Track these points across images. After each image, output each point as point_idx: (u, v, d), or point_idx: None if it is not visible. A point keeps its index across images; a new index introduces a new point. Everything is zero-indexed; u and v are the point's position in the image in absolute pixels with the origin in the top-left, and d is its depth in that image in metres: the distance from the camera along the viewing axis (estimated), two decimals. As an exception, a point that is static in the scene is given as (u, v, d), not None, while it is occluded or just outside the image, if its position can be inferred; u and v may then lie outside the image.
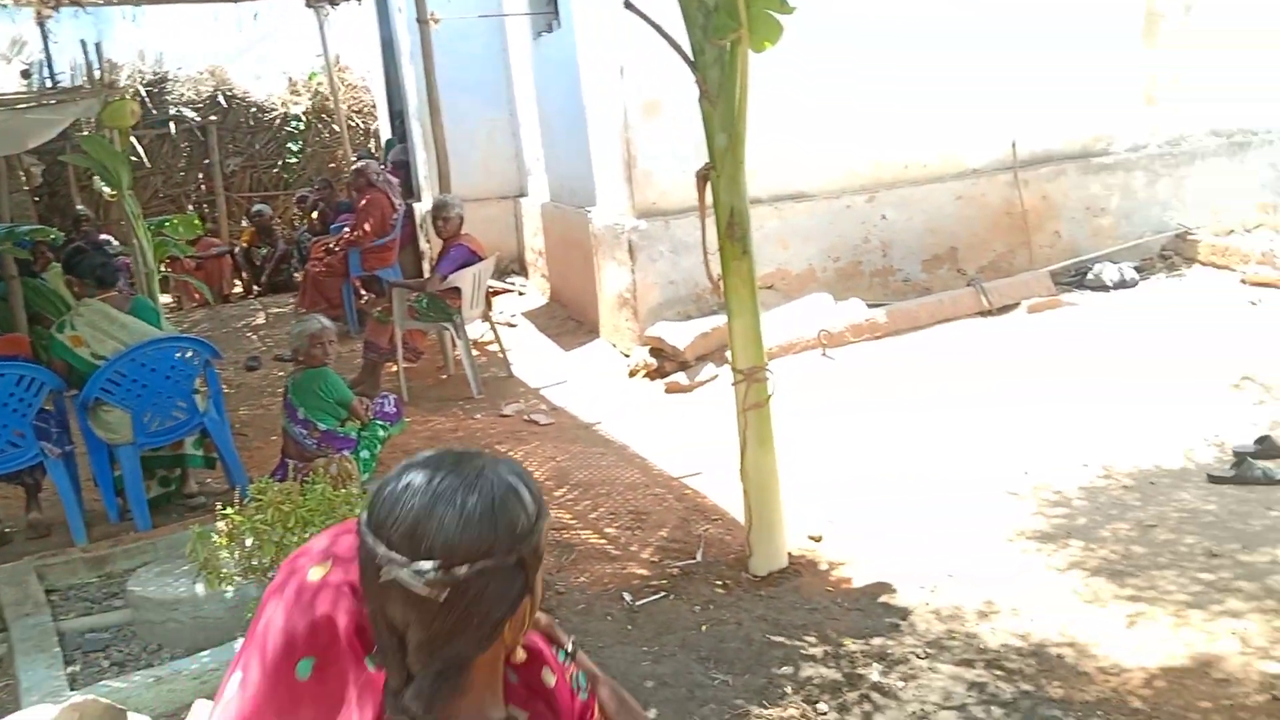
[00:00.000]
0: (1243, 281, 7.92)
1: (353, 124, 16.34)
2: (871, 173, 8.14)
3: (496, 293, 10.20)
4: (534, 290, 10.68)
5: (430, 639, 1.15)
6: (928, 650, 3.66)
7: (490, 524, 1.16)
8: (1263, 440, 5.07)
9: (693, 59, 4.23)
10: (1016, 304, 7.69)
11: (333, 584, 1.24)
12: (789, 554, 4.43)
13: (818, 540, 4.64)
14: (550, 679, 1.32)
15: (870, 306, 7.60)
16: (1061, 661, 3.51)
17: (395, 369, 7.67)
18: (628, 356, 7.59)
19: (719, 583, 4.31)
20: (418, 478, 1.19)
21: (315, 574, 1.25)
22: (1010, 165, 8.37)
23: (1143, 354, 6.59)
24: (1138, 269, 8.29)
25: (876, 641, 3.74)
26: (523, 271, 11.31)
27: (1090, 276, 8.16)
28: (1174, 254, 8.59)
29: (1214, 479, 4.85)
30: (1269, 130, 9.13)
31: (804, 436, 5.73)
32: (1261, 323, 7.10)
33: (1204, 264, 8.36)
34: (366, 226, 9.48)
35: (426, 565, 1.12)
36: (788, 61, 7.47)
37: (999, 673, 3.47)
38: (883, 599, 4.08)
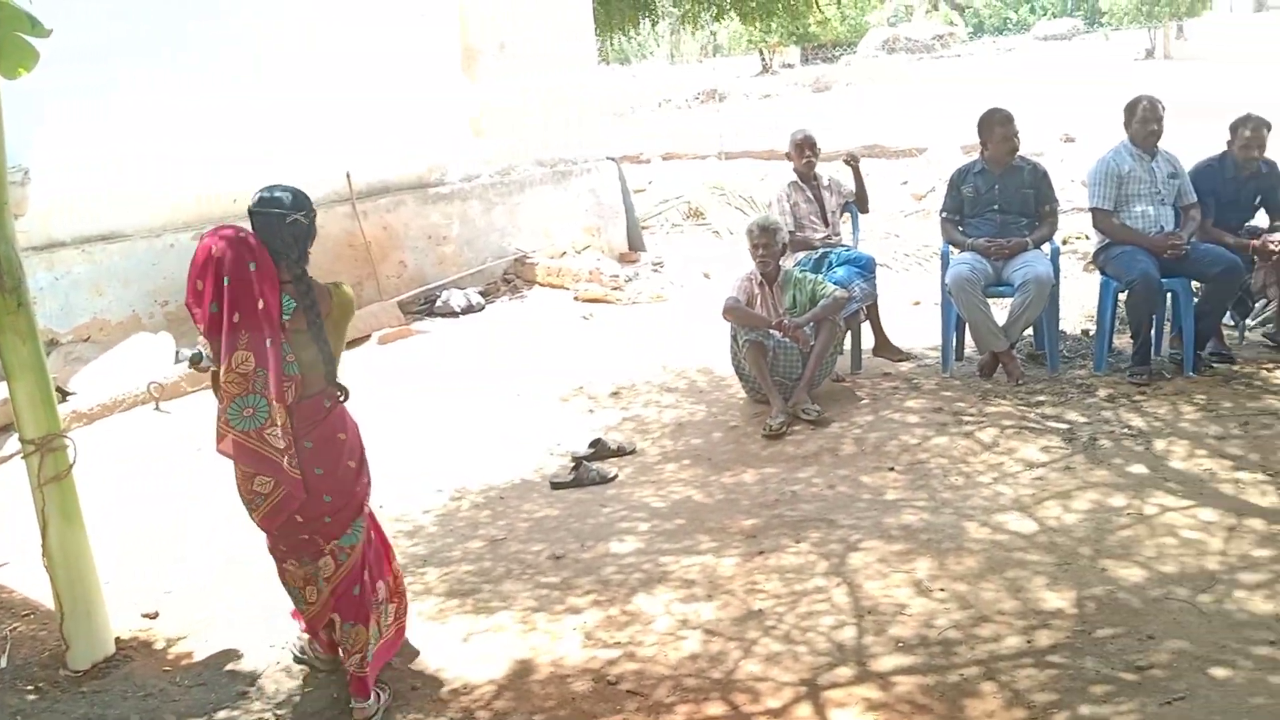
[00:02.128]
0: (576, 299, 8.90)
1: None
2: (197, 208, 7.79)
3: None
4: None
5: (306, 239, 3.35)
6: (278, 712, 3.52)
7: (308, 197, 3.40)
8: (595, 443, 5.70)
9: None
10: (367, 336, 7.86)
11: (251, 234, 3.28)
12: (117, 639, 4.05)
13: (153, 617, 4.28)
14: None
15: (210, 352, 7.25)
16: (414, 691, 3.58)
17: None
18: (-101, 440, 6.43)
19: (30, 688, 3.79)
20: (277, 191, 3.33)
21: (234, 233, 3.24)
22: (348, 197, 8.54)
23: (491, 375, 7.09)
24: (483, 293, 8.93)
25: (221, 715, 3.53)
26: None
27: (440, 303, 8.62)
28: (515, 277, 9.40)
29: (556, 485, 5.33)
30: (586, 160, 10.39)
31: (133, 502, 5.30)
32: (592, 336, 8.03)
33: (542, 285, 9.25)
34: None
35: (303, 211, 3.34)
36: (92, 91, 6.96)
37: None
38: (229, 667, 3.87)
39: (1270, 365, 6.12)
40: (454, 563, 4.54)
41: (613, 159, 10.79)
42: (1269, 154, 6.25)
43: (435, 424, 6.31)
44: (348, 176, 8.52)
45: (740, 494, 5.05)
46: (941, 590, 3.93)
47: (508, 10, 9.63)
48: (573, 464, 5.47)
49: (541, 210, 9.86)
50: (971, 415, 5.72)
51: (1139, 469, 4.86)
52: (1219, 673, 3.27)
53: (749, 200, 12.54)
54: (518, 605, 4.12)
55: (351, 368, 7.31)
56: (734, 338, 6.16)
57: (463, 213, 9.32)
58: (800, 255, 6.79)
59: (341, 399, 3.43)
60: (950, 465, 5.11)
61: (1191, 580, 3.85)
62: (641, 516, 4.89)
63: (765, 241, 6.12)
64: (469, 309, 8.61)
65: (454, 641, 3.90)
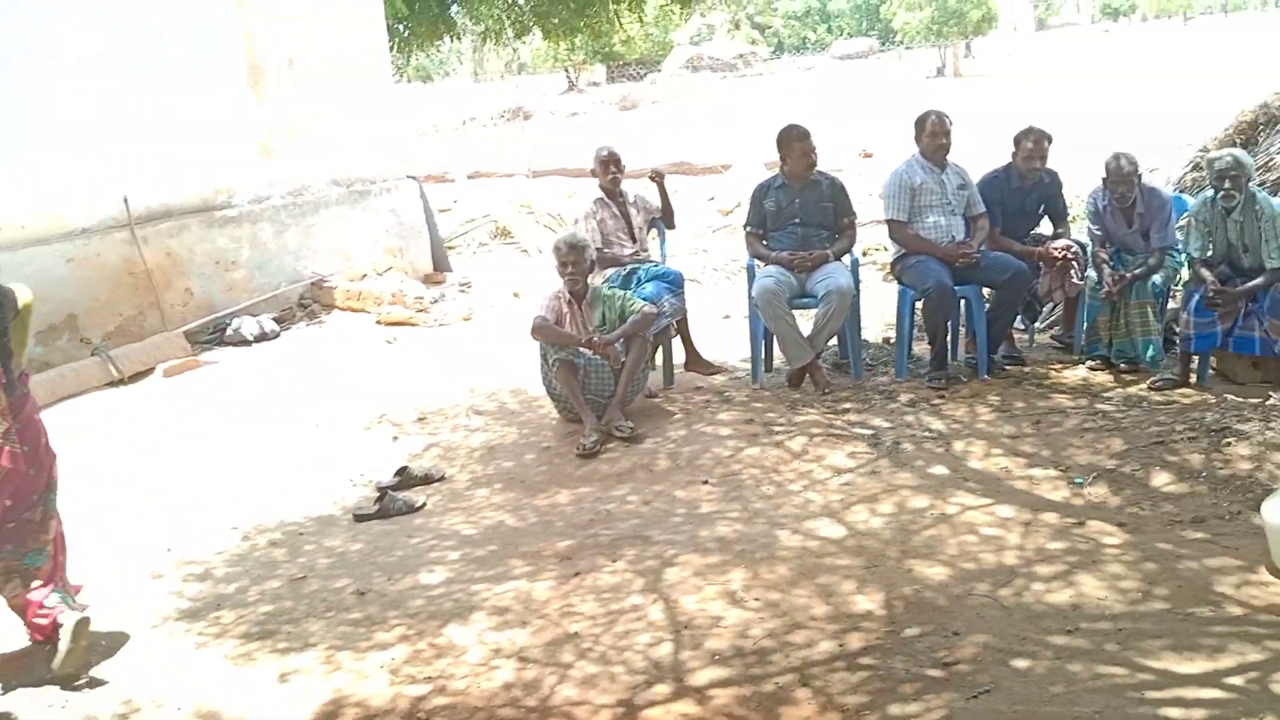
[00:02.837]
0: (378, 322, 8.72)
1: None
2: (-44, 234, 7.26)
3: None
4: None
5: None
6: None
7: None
8: (401, 472, 5.57)
9: None
10: (151, 369, 7.49)
11: None
12: None
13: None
14: None
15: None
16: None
17: None
18: None
19: None
20: None
21: None
22: (125, 222, 8.12)
23: (288, 405, 6.85)
24: (278, 320, 8.64)
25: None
26: None
27: (230, 332, 8.29)
28: (313, 301, 9.13)
29: (360, 518, 5.18)
30: (385, 179, 10.20)
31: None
32: (397, 360, 7.88)
33: (342, 309, 9.02)
34: None
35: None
36: None
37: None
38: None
39: (1058, 365, 6.53)
40: (250, 604, 4.35)
41: (414, 177, 10.64)
42: (1050, 164, 6.68)
43: (227, 459, 6.05)
44: (125, 201, 8.10)
45: (554, 516, 5.03)
46: (756, 600, 4.01)
47: (296, 26, 9.38)
48: (377, 494, 5.33)
49: (339, 231, 9.63)
50: (781, 425, 5.88)
51: (940, 470, 5.10)
52: (1021, 664, 3.44)
53: (557, 218, 12.60)
54: (320, 645, 3.98)
55: (134, 403, 7.01)
56: (544, 357, 6.14)
57: (253, 236, 9.00)
58: (609, 272, 6.84)
59: (25, 391, 4.02)
60: (762, 475, 5.23)
61: (992, 575, 4.05)
62: (451, 545, 4.81)
63: (573, 259, 6.14)
64: (262, 337, 8.31)
65: (253, 686, 3.73)
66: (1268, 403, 5.48)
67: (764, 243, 6.69)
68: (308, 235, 9.38)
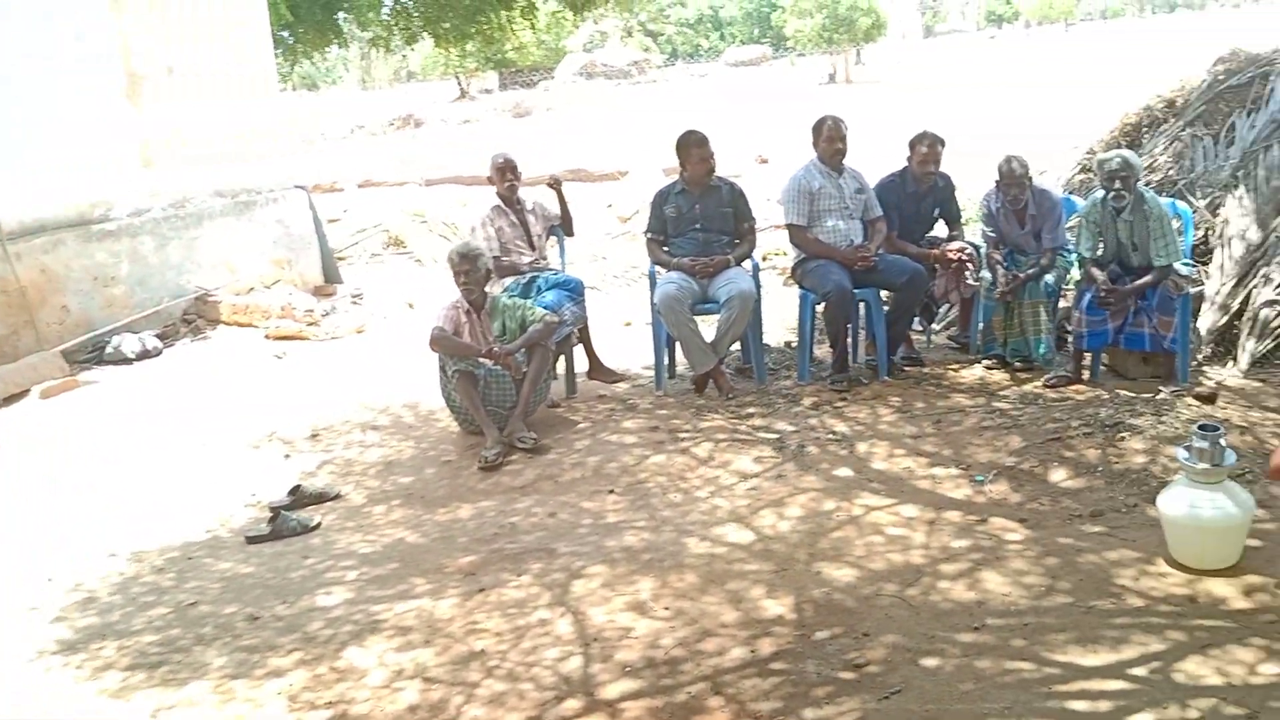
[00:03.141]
0: (267, 336, 8.51)
1: None
2: None
3: None
4: None
5: None
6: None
7: None
8: (295, 491, 5.42)
9: None
10: (26, 391, 7.19)
11: None
12: None
13: None
14: None
15: None
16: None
17: None
18: None
19: None
20: None
21: None
22: (-3, 238, 7.81)
23: (173, 425, 6.65)
24: (161, 336, 8.38)
25: None
26: None
27: (110, 350, 8.02)
28: (197, 316, 8.88)
29: (252, 539, 5.03)
30: (271, 189, 9.97)
31: None
32: (287, 375, 7.69)
33: (228, 324, 8.78)
34: None
35: None
36: None
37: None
38: None
39: (956, 365, 6.66)
40: (136, 633, 4.18)
41: (302, 187, 10.43)
42: (943, 168, 6.82)
43: (109, 482, 5.83)
44: (-6, 215, 7.79)
45: (456, 531, 4.94)
46: (665, 609, 3.99)
47: (175, 33, 9.12)
48: (269, 515, 5.17)
49: (224, 243, 9.38)
50: (687, 431, 5.87)
51: (845, 472, 5.15)
52: (930, 663, 3.48)
53: (452, 227, 12.48)
54: (212, 673, 3.84)
55: (8, 426, 6.72)
56: (443, 369, 6.05)
57: (132, 250, 8.71)
58: (508, 281, 6.77)
59: None
60: (669, 483, 5.22)
61: (899, 575, 4.10)
62: (349, 565, 4.69)
63: (467, 268, 6.06)
64: (145, 354, 8.05)
65: (139, 718, 3.59)
66: (1158, 397, 5.66)
67: (665, 249, 6.69)
68: (191, 248, 9.12)
